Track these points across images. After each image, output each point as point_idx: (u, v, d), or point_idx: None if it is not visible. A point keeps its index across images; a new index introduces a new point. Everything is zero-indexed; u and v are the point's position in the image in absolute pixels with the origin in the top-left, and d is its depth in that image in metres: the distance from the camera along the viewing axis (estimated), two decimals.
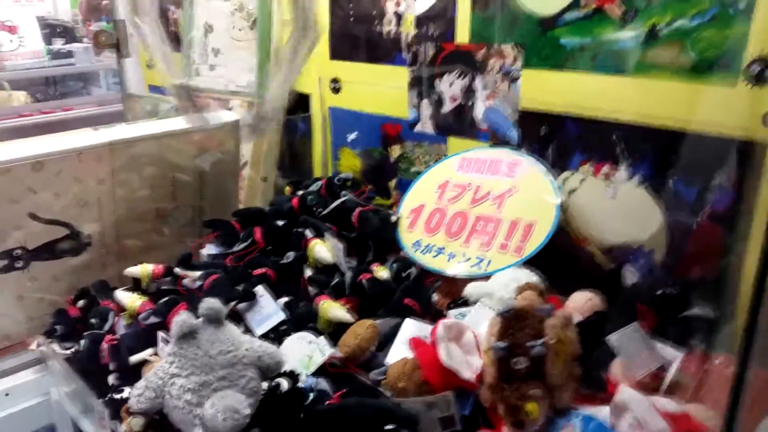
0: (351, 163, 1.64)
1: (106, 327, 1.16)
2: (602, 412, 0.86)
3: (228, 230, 1.43)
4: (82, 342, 1.11)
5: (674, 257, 1.06)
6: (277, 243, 1.37)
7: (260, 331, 1.14)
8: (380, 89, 1.51)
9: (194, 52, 1.77)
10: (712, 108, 0.98)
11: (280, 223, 1.41)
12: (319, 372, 1.04)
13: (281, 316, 1.16)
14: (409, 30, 1.41)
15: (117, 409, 0.99)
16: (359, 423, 0.88)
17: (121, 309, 1.20)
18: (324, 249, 1.23)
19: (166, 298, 1.14)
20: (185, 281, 1.22)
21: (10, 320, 1.30)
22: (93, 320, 1.17)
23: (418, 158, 1.47)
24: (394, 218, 1.34)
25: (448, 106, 1.38)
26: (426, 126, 1.43)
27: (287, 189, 1.59)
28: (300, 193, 1.47)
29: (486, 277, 1.13)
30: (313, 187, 1.51)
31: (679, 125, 1.02)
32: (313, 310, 1.15)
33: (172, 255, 1.37)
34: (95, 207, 1.34)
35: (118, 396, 1.02)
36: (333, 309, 1.13)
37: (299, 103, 1.72)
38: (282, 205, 1.45)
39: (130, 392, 0.97)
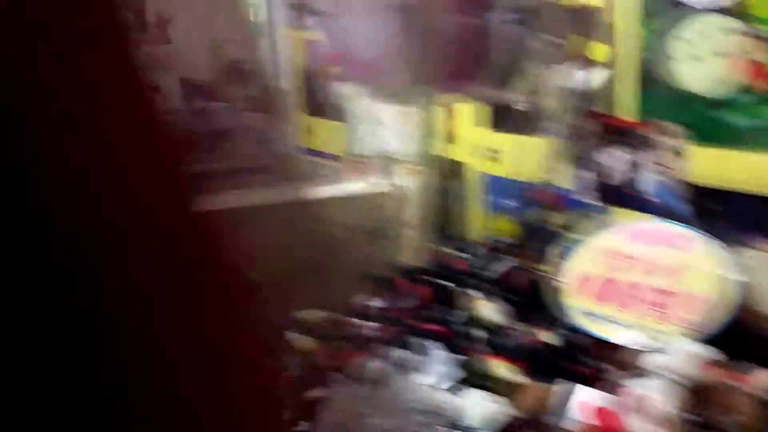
0: (506, 229, 1.71)
1: None
2: None
3: (392, 286, 1.54)
4: None
5: None
6: (443, 302, 1.45)
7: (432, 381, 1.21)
8: (538, 158, 1.59)
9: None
10: None
11: (446, 283, 1.50)
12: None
13: (453, 372, 1.23)
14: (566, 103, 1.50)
15: None
16: None
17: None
18: (493, 309, 1.30)
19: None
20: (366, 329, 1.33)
21: None
22: None
23: (580, 227, 1.51)
24: (560, 284, 1.39)
25: (614, 178, 1.42)
26: (589, 196, 1.48)
27: (447, 251, 1.68)
28: (463, 255, 1.57)
29: (659, 350, 1.14)
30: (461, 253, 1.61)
31: None
32: (480, 368, 1.21)
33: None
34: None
35: None
36: (500, 369, 1.19)
37: (453, 170, 1.84)
38: (446, 266, 1.54)
39: None
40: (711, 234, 1.23)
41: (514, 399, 1.13)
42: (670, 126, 1.28)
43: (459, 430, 1.04)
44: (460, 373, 1.20)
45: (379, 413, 0.99)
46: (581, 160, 1.46)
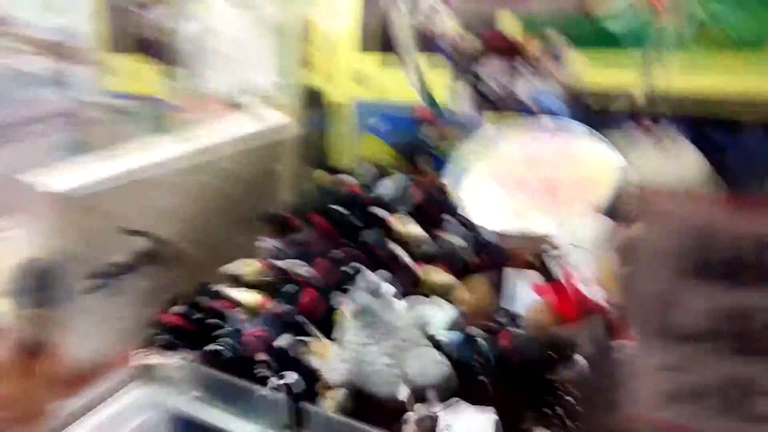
0: (377, 149, 1.73)
1: (234, 325, 1.18)
2: None
3: (286, 224, 1.49)
4: (224, 341, 1.13)
5: None
6: (343, 229, 1.45)
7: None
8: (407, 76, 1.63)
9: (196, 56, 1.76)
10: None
11: (340, 210, 1.49)
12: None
13: (390, 287, 1.26)
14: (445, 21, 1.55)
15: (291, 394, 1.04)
16: (537, 354, 1.02)
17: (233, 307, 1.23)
18: (412, 223, 1.34)
19: (290, 287, 1.19)
20: (299, 270, 1.27)
21: (98, 343, 1.27)
22: (211, 321, 1.19)
23: (456, 137, 1.60)
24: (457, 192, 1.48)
25: (491, 87, 1.53)
26: (465, 107, 1.57)
27: (324, 178, 1.65)
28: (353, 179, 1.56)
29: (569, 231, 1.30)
30: (349, 177, 1.61)
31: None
32: (421, 278, 1.26)
33: (242, 254, 1.41)
34: (172, 216, 1.34)
35: (284, 381, 1.06)
36: (435, 274, 1.25)
37: (313, 98, 1.79)
38: (340, 193, 1.53)
39: (291, 375, 1.05)
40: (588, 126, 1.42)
41: (459, 299, 1.21)
42: (551, 33, 1.41)
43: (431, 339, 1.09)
44: (402, 288, 1.24)
45: (372, 340, 0.99)
46: (461, 74, 1.54)
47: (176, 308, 1.26)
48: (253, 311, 1.21)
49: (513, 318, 1.15)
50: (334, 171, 1.64)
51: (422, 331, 1.08)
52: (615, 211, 1.33)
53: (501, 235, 1.37)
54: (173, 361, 1.20)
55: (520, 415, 0.97)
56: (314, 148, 1.78)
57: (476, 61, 1.51)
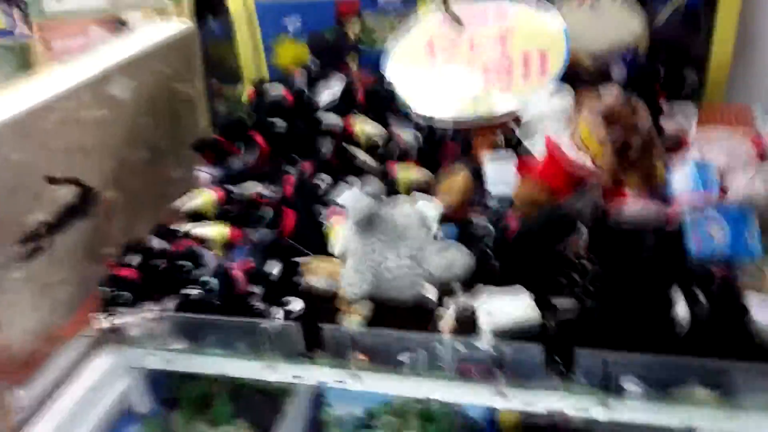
0: (294, 53, 1.57)
1: (211, 263, 1.04)
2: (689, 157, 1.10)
3: (219, 148, 1.32)
4: (210, 281, 0.99)
5: (657, 46, 1.33)
6: (287, 143, 1.32)
7: None
8: None
9: None
10: None
11: (280, 124, 1.34)
12: None
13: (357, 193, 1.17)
14: None
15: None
16: (546, 230, 1.00)
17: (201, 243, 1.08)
18: (370, 123, 1.24)
19: (267, 211, 1.06)
20: (264, 193, 1.14)
21: (43, 316, 1.07)
22: (183, 264, 1.04)
23: (384, 29, 1.49)
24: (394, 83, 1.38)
25: None
26: None
27: (248, 91, 1.48)
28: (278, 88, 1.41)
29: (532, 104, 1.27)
30: (279, 87, 1.45)
31: None
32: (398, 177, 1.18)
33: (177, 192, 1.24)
34: (95, 155, 1.12)
35: (290, 309, 0.96)
36: (413, 172, 1.18)
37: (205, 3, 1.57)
38: (271, 107, 1.37)
39: (295, 302, 0.95)
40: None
41: (442, 192, 1.16)
42: None
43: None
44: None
45: (390, 246, 0.91)
46: None
47: (130, 259, 1.08)
48: (226, 245, 1.08)
49: (503, 201, 1.12)
50: (259, 82, 1.47)
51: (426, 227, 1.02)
52: (571, 75, 1.33)
53: (459, 122, 1.33)
54: (141, 317, 1.04)
55: (538, 290, 0.95)
56: (222, 61, 1.58)
57: None
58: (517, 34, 1.35)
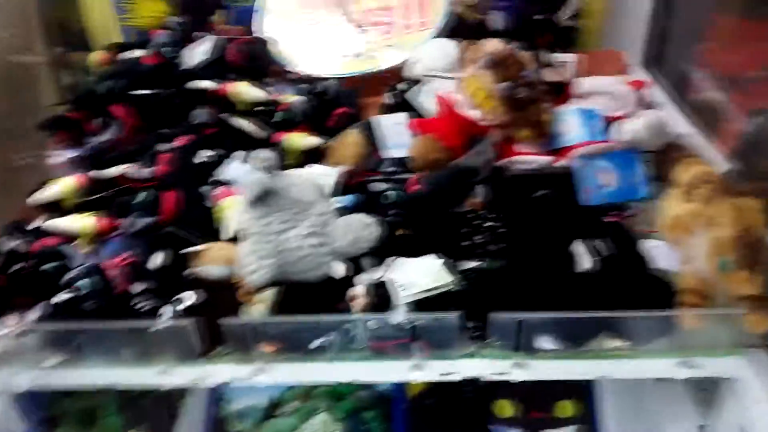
0: (154, 9, 1.39)
1: (80, 261, 0.91)
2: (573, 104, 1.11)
3: (73, 125, 1.16)
4: (82, 282, 0.86)
5: None
6: (153, 115, 1.18)
7: None
8: None
9: None
10: None
11: (142, 92, 1.19)
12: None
13: (246, 167, 1.08)
14: None
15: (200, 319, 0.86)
16: (451, 188, 0.97)
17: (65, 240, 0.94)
18: (252, 87, 1.13)
19: (143, 194, 0.94)
20: (133, 173, 1.00)
21: None
22: (47, 267, 0.90)
23: None
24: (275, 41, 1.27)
25: None
26: None
27: (101, 57, 1.30)
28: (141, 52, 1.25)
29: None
30: (137, 49, 1.29)
31: None
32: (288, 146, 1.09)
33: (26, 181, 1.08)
34: None
35: (182, 306, 0.87)
36: (302, 139, 1.10)
37: None
38: (129, 72, 1.21)
39: (185, 296, 0.86)
40: None
41: (335, 158, 1.09)
42: None
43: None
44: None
45: (289, 224, 0.84)
46: None
47: None
48: (95, 239, 0.95)
49: (400, 162, 1.08)
50: (114, 46, 1.30)
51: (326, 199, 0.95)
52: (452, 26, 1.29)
53: (344, 80, 1.25)
54: (2, 333, 0.90)
55: (447, 253, 0.93)
56: (66, 25, 1.38)
57: None
58: None
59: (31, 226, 0.97)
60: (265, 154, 0.88)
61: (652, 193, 0.98)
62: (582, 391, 1.17)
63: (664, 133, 1.01)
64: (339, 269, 0.85)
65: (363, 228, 0.87)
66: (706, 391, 0.86)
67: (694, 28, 1.30)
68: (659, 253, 0.87)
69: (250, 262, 0.82)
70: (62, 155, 1.13)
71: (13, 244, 0.94)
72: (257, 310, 0.83)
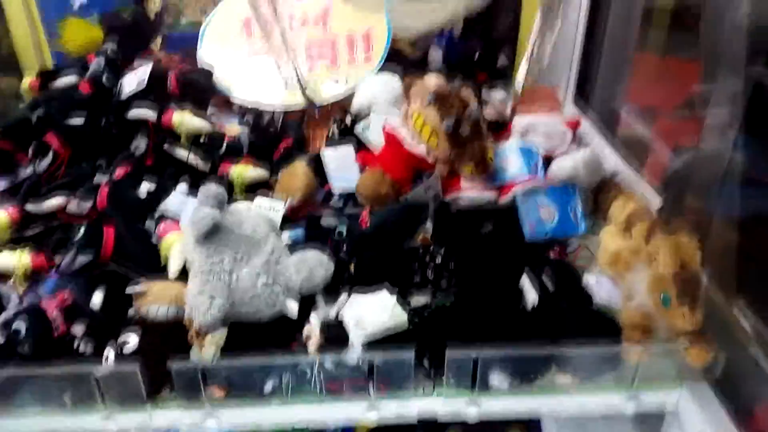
0: (86, 35, 1.33)
1: (11, 304, 0.85)
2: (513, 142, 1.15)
3: (2, 154, 1.09)
4: (17, 324, 0.80)
5: (470, 28, 1.36)
6: (87, 144, 1.13)
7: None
8: None
9: None
10: None
11: (77, 121, 1.14)
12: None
13: (194, 200, 1.05)
14: None
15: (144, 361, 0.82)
16: (402, 223, 0.98)
17: None
18: (195, 118, 1.10)
19: (81, 230, 0.89)
20: (71, 207, 0.95)
21: None
22: None
23: (190, 6, 1.32)
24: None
25: None
26: None
27: (28, 83, 1.23)
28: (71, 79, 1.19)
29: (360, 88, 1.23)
30: (71, 75, 1.23)
31: None
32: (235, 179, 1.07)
33: None
34: None
35: (127, 348, 0.82)
36: (248, 171, 1.09)
37: None
38: (63, 100, 1.15)
39: (129, 337, 0.83)
40: None
41: (282, 190, 1.08)
42: None
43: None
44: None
45: (239, 261, 0.82)
46: None
47: None
48: (28, 276, 0.89)
49: (348, 196, 1.08)
50: (45, 71, 1.23)
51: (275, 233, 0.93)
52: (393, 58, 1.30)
53: (287, 109, 1.24)
54: None
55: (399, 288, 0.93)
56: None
57: None
58: (337, 14, 1.29)
59: None
60: (213, 188, 0.85)
61: (590, 229, 1.03)
62: (529, 420, 1.21)
63: (598, 169, 1.06)
64: (293, 307, 0.84)
65: (318, 265, 0.86)
66: (649, 423, 0.90)
67: (620, 65, 1.39)
68: (601, 288, 0.91)
69: (200, 302, 0.79)
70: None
71: None
72: (206, 352, 0.80)
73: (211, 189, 0.85)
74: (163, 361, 0.80)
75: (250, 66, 1.27)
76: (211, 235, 0.82)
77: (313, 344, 0.82)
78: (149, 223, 0.95)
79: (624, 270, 0.89)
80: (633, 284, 0.85)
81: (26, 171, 1.11)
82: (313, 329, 0.82)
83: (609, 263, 0.92)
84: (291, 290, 0.85)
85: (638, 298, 0.84)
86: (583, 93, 1.44)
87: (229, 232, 0.83)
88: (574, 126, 1.14)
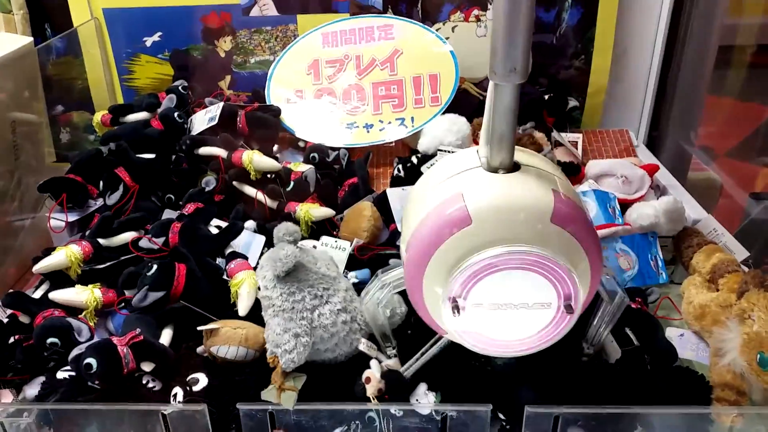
0: (155, 72, 1.37)
1: (83, 338, 0.85)
2: (587, 186, 1.12)
3: (75, 188, 1.11)
4: (91, 360, 0.79)
5: (537, 71, 1.35)
6: (157, 180, 1.15)
7: (254, 257, 1.01)
8: None
9: None
10: None
11: (148, 156, 1.16)
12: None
13: (261, 237, 1.05)
14: None
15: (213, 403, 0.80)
16: None
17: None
18: (265, 157, 1.11)
19: (154, 267, 0.89)
20: (142, 243, 0.95)
21: None
22: (52, 340, 0.84)
23: (260, 46, 1.35)
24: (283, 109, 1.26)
25: None
26: (266, 8, 1.32)
27: (99, 118, 1.27)
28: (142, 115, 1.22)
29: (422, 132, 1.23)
30: (142, 112, 1.26)
31: None
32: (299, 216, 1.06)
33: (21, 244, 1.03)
34: None
35: (195, 388, 0.81)
36: (315, 210, 1.08)
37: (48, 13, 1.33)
38: (135, 135, 1.18)
39: (198, 376, 0.82)
40: (407, 18, 1.31)
41: (347, 229, 1.07)
42: None
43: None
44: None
45: (322, 298, 0.80)
46: None
47: None
48: (99, 312, 0.89)
49: None
50: (117, 107, 1.27)
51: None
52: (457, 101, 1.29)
53: (351, 149, 1.24)
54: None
55: None
56: (65, 83, 1.34)
57: None
58: (406, 55, 1.29)
59: (33, 294, 0.91)
60: (290, 226, 0.85)
61: (671, 279, 0.98)
62: None
63: (681, 218, 1.02)
64: (370, 346, 0.82)
65: (397, 305, 0.84)
66: None
67: (693, 107, 1.35)
68: (686, 343, 0.87)
69: (284, 341, 0.77)
70: (61, 219, 1.08)
71: (9, 314, 0.88)
72: (287, 396, 0.78)
73: (288, 227, 0.84)
74: (231, 402, 0.79)
75: (315, 106, 1.28)
76: (291, 273, 0.81)
77: (372, 388, 0.79)
78: (219, 261, 0.95)
79: (712, 325, 0.84)
80: (724, 341, 0.80)
81: (96, 203, 1.13)
82: (373, 373, 0.80)
83: (695, 317, 0.88)
84: (364, 330, 0.82)
85: (729, 357, 0.79)
86: (654, 136, 1.40)
87: (307, 270, 0.82)
88: (652, 170, 1.10)
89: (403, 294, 0.83)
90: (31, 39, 1.10)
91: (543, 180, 0.64)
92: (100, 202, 1.13)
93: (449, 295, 0.64)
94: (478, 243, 0.62)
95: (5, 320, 0.90)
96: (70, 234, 1.11)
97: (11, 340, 0.87)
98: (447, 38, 1.31)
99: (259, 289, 0.83)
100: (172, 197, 1.14)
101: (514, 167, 0.66)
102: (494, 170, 0.66)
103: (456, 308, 0.64)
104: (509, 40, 0.58)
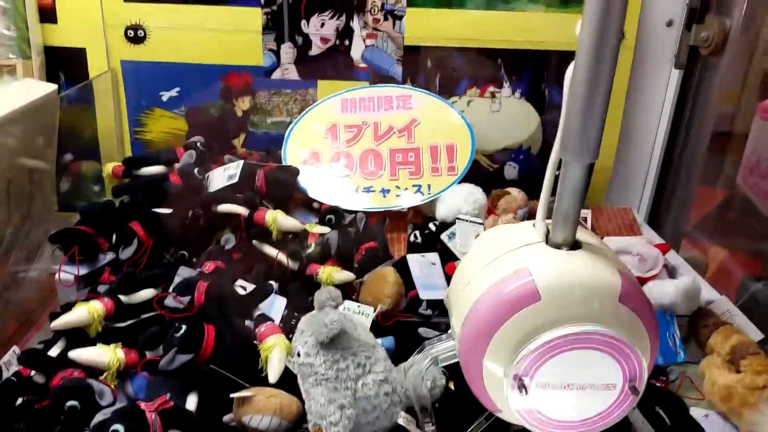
0: (169, 126, 1.36)
1: (105, 402, 0.80)
2: None
3: (86, 240, 1.08)
4: (117, 426, 0.74)
5: (548, 146, 1.39)
6: (177, 235, 1.12)
7: (276, 320, 0.98)
8: (213, 35, 1.30)
9: None
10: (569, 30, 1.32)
11: (164, 211, 1.14)
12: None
13: (282, 299, 1.03)
14: None
15: None
16: None
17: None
18: (288, 218, 1.10)
19: (183, 327, 0.86)
20: (168, 302, 0.92)
21: None
22: (72, 403, 0.79)
23: (278, 107, 1.36)
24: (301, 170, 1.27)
25: (317, 49, 1.32)
26: (288, 72, 1.34)
27: (111, 169, 1.24)
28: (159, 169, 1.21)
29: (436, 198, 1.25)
30: (158, 165, 1.24)
31: (547, 46, 1.33)
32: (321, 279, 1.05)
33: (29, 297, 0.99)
34: None
35: None
36: (337, 273, 1.07)
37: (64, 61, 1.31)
38: (152, 189, 1.16)
39: None
40: (425, 90, 1.35)
41: (369, 294, 1.06)
42: None
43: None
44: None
45: (365, 367, 0.78)
46: (281, 32, 1.30)
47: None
48: (121, 373, 0.85)
49: (436, 305, 1.06)
50: (131, 159, 1.24)
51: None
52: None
53: (367, 214, 1.24)
54: None
55: None
56: (74, 131, 1.32)
57: (299, 16, 1.29)
58: (423, 125, 1.32)
59: (49, 352, 0.86)
60: (333, 290, 0.83)
61: (688, 358, 1.00)
62: None
63: (697, 298, 1.05)
64: (406, 420, 0.80)
65: (439, 377, 0.82)
66: None
67: (690, 192, 1.40)
68: (712, 424, 0.88)
69: (329, 412, 0.75)
70: (66, 272, 1.04)
71: (23, 373, 0.83)
72: None
73: (332, 291, 0.83)
74: None
75: (332, 168, 1.29)
76: (335, 339, 0.79)
77: None
78: (247, 324, 0.93)
79: (741, 407, 0.86)
80: (758, 424, 0.81)
81: (106, 257, 1.09)
82: None
83: (721, 398, 0.89)
84: (407, 401, 0.80)
85: None
86: (655, 215, 1.45)
87: (349, 337, 0.80)
88: (665, 250, 1.14)
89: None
90: (56, 86, 1.09)
91: (607, 259, 0.66)
92: (110, 255, 1.10)
93: (515, 374, 0.63)
94: (546, 320, 0.62)
95: (13, 378, 0.85)
96: (77, 288, 1.06)
97: (19, 400, 0.83)
98: (462, 111, 1.35)
99: (298, 355, 0.80)
100: (185, 254, 1.11)
101: (576, 245, 0.68)
102: (557, 246, 0.67)
103: (522, 387, 0.63)
104: (585, 120, 0.59)
